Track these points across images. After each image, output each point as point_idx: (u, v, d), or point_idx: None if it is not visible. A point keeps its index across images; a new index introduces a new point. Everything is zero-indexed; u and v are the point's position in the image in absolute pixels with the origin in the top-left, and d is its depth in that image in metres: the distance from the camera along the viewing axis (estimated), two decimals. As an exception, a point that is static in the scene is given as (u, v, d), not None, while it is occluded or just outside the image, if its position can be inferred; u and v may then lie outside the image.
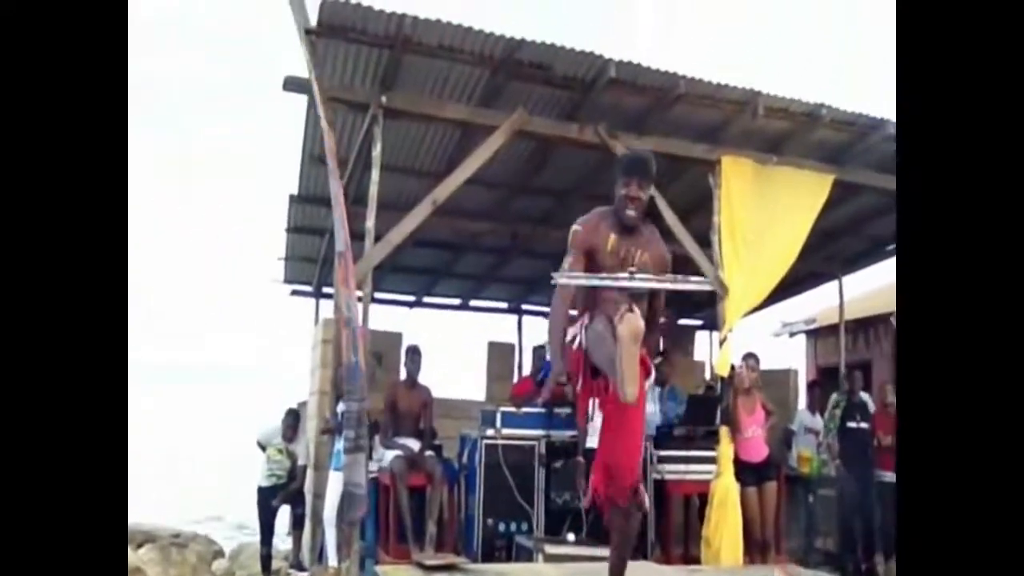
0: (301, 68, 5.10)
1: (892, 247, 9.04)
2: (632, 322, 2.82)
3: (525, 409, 6.23)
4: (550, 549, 5.07)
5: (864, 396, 7.54)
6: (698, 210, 6.66)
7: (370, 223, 5.33)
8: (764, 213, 6.14)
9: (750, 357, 6.55)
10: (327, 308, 8.99)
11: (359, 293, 5.39)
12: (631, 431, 3.25)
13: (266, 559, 7.23)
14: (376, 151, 5.43)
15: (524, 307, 12.15)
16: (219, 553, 8.74)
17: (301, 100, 5.67)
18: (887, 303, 10.82)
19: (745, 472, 5.95)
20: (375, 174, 5.40)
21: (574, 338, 3.28)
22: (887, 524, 6.84)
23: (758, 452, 6.20)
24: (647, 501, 3.30)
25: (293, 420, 7.45)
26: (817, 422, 7.68)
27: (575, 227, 3.33)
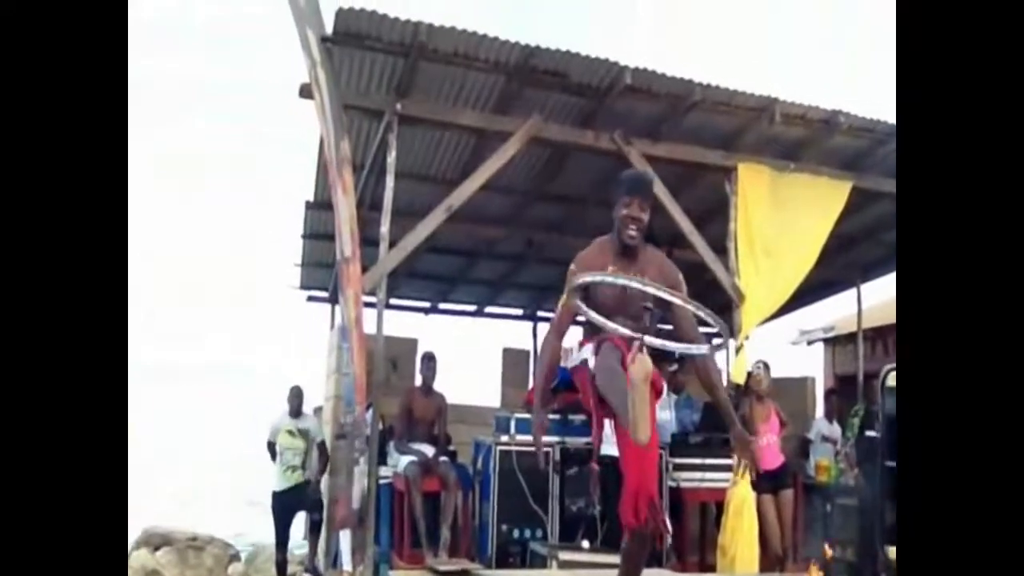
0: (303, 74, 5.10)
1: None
2: (643, 364, 2.76)
3: (540, 415, 6.21)
4: (564, 556, 5.06)
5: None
6: (714, 217, 6.64)
7: (384, 229, 5.35)
8: (781, 220, 6.11)
9: (760, 363, 6.52)
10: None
11: (373, 299, 5.40)
12: (645, 454, 3.10)
13: (281, 565, 7.21)
14: (391, 158, 5.45)
15: (539, 313, 12.12)
16: (235, 557, 8.78)
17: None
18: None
19: (761, 480, 5.91)
20: (390, 180, 5.42)
21: (583, 361, 3.21)
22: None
23: (774, 459, 6.15)
24: (666, 521, 3.19)
25: (298, 395, 7.36)
26: (835, 431, 7.62)
27: (571, 266, 3.23)
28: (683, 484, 6.20)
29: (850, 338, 10.37)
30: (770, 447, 6.15)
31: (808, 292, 8.02)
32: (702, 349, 3.19)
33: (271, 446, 7.35)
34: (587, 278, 2.98)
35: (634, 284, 2.95)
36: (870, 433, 7.15)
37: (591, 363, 3.14)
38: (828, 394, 8.79)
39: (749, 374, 6.09)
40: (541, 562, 5.25)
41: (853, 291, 9.70)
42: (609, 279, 2.98)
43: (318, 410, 8.25)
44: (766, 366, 6.45)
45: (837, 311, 11.56)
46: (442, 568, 4.11)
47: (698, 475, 6.18)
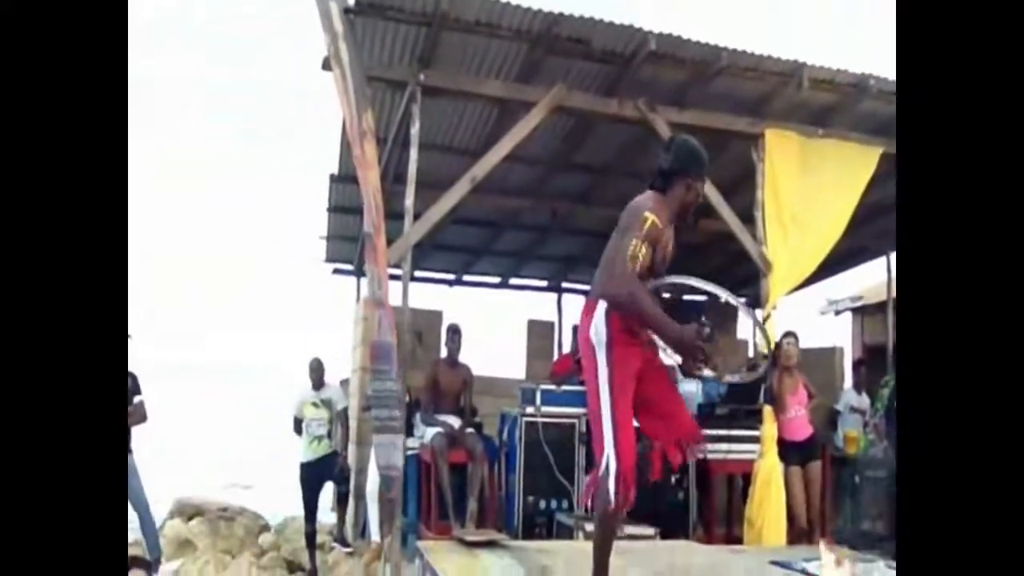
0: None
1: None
2: None
3: (565, 387, 6.22)
4: (590, 527, 5.05)
5: None
6: (741, 186, 6.55)
7: (409, 201, 5.33)
8: (809, 188, 6.02)
9: (790, 335, 6.45)
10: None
11: (398, 271, 5.40)
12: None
13: (310, 536, 7.29)
14: (415, 129, 5.42)
15: (564, 285, 12.11)
16: (265, 527, 8.89)
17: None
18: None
19: (789, 451, 5.88)
20: (414, 152, 5.40)
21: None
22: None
23: (802, 431, 6.11)
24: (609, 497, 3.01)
25: (318, 366, 7.40)
26: (863, 402, 7.55)
27: (648, 214, 3.09)
28: (710, 456, 6.14)
29: (879, 308, 10.26)
30: (798, 419, 6.11)
31: (836, 261, 7.92)
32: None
33: (297, 422, 7.42)
34: (682, 280, 3.20)
35: (724, 296, 3.00)
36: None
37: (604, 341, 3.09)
38: (856, 365, 8.71)
39: (778, 345, 6.04)
40: (568, 533, 5.27)
41: (882, 260, 9.58)
42: (700, 285, 3.17)
43: (344, 382, 8.30)
44: (796, 338, 6.40)
45: (866, 280, 11.44)
46: (469, 538, 4.13)
47: (724, 447, 6.14)
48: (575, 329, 7.26)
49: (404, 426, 4.65)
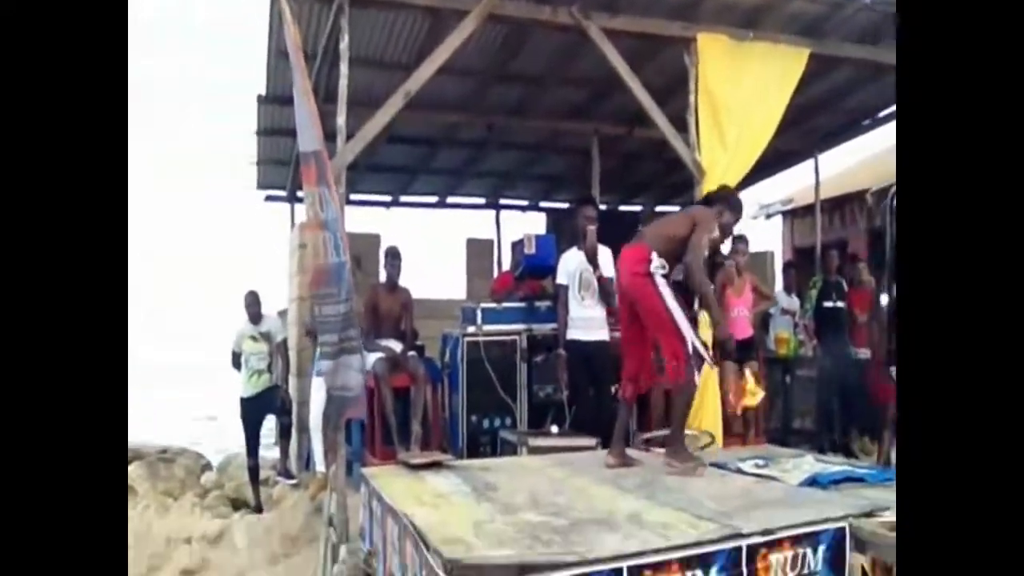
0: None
1: (868, 122, 8.97)
2: None
3: (506, 304, 6.25)
4: (534, 442, 5.15)
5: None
6: (674, 92, 6.52)
7: (341, 120, 5.18)
8: (741, 91, 6.01)
9: (740, 240, 6.59)
10: (302, 213, 8.88)
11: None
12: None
13: (253, 470, 7.28)
14: (344, 44, 5.23)
15: (502, 202, 12.06)
16: (207, 466, 8.86)
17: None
18: (863, 180, 10.84)
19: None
20: (344, 68, 5.21)
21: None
22: (863, 401, 7.02)
23: (742, 330, 6.29)
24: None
25: (254, 300, 7.31)
26: (793, 303, 7.76)
27: (715, 226, 4.20)
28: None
29: (808, 210, 10.48)
30: (740, 319, 6.30)
31: (767, 165, 8.02)
32: None
33: (235, 356, 7.32)
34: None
35: None
36: (828, 304, 7.31)
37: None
38: (786, 267, 8.92)
39: (733, 249, 6.18)
40: (512, 449, 5.36)
41: (810, 162, 9.73)
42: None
43: (282, 313, 8.21)
44: (745, 242, 6.55)
45: (795, 183, 11.63)
46: (414, 461, 4.17)
47: (663, 355, 6.29)
48: (514, 246, 7.28)
49: (361, 345, 4.58)
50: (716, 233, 4.26)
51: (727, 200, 4.45)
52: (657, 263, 4.05)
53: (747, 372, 5.54)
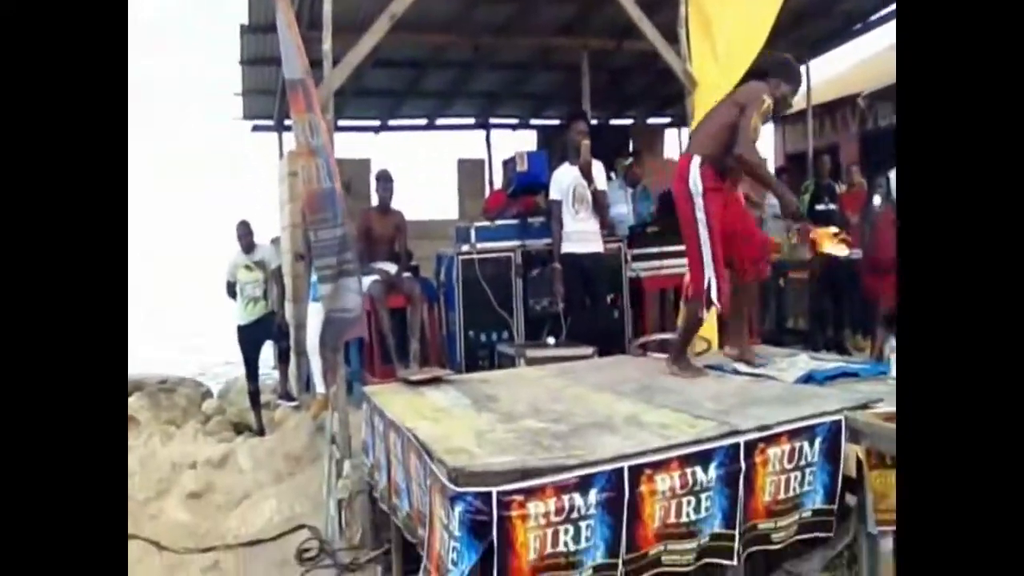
0: None
1: (860, 26, 8.82)
2: None
3: (499, 222, 6.25)
4: (531, 353, 5.22)
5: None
6: (663, 4, 6.37)
7: (327, 46, 5.04)
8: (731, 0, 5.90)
9: None
10: (290, 141, 8.79)
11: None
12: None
13: (254, 395, 7.38)
14: (327, -34, 5.07)
15: (492, 121, 11.92)
16: (208, 394, 8.95)
17: None
18: (853, 85, 10.71)
19: None
20: (327, -9, 5.07)
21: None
22: (855, 300, 7.09)
23: None
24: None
25: (246, 230, 7.31)
26: (786, 207, 7.74)
27: (766, 97, 3.95)
28: (642, 274, 6.37)
29: (799, 116, 10.35)
30: None
31: (758, 74, 7.91)
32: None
33: (230, 286, 7.34)
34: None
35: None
36: (820, 207, 7.33)
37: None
38: (778, 172, 8.85)
39: None
40: (510, 362, 5.43)
41: (802, 68, 9.58)
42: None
43: (275, 241, 8.20)
44: None
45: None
46: (414, 378, 4.23)
47: (656, 263, 6.33)
48: (505, 164, 7.24)
49: (358, 267, 4.60)
50: (768, 107, 3.98)
51: (784, 69, 4.12)
52: (696, 176, 3.89)
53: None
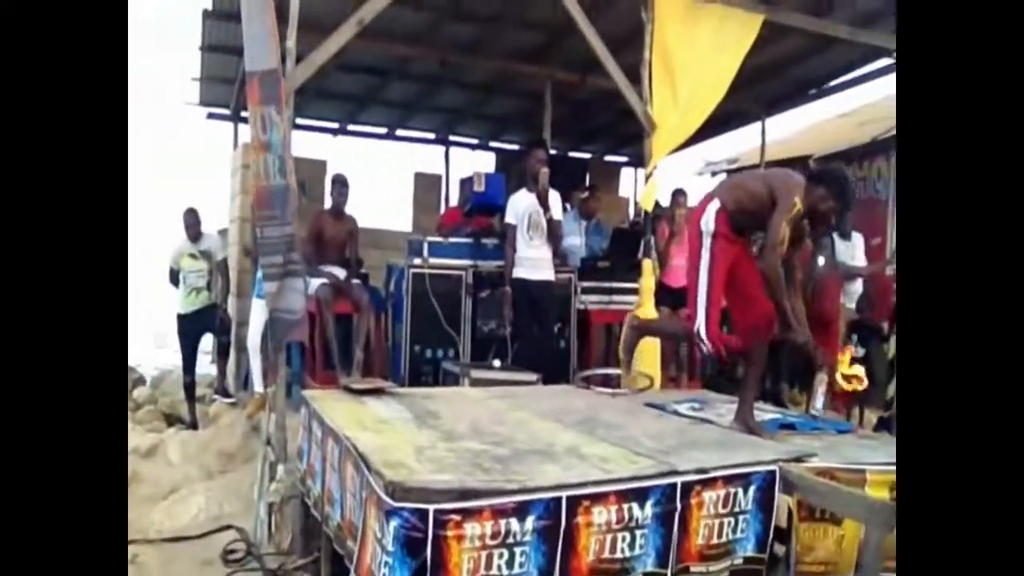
0: None
1: (815, 91, 9.15)
2: None
3: (452, 239, 6.27)
4: (476, 374, 5.22)
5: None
6: (629, 44, 6.50)
7: (291, 42, 5.00)
8: (695, 50, 6.05)
9: (679, 194, 6.75)
10: (246, 133, 8.68)
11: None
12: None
13: (189, 387, 7.22)
14: (296, -38, 5.06)
15: (451, 138, 11.94)
16: (140, 381, 8.74)
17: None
18: (806, 146, 11.05)
19: (664, 295, 6.24)
20: (296, -10, 5.05)
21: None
22: (793, 356, 7.27)
23: (678, 280, 6.47)
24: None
25: (194, 218, 7.18)
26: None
27: (797, 200, 3.62)
28: (590, 306, 6.46)
29: (753, 170, 10.63)
30: (678, 268, 6.47)
31: (715, 124, 8.08)
32: None
33: (173, 273, 7.20)
34: None
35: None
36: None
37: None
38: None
39: (657, 203, 6.28)
40: (453, 380, 5.42)
41: (758, 124, 9.88)
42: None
43: (223, 232, 8.06)
44: (684, 195, 6.70)
45: (742, 144, 11.81)
46: (356, 386, 4.20)
47: (605, 298, 6.43)
48: (463, 182, 7.27)
49: (304, 269, 4.55)
50: (798, 212, 3.64)
51: (839, 185, 3.76)
52: (711, 217, 3.77)
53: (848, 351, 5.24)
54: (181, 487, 5.14)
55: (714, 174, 12.86)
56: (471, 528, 2.40)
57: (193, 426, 7.00)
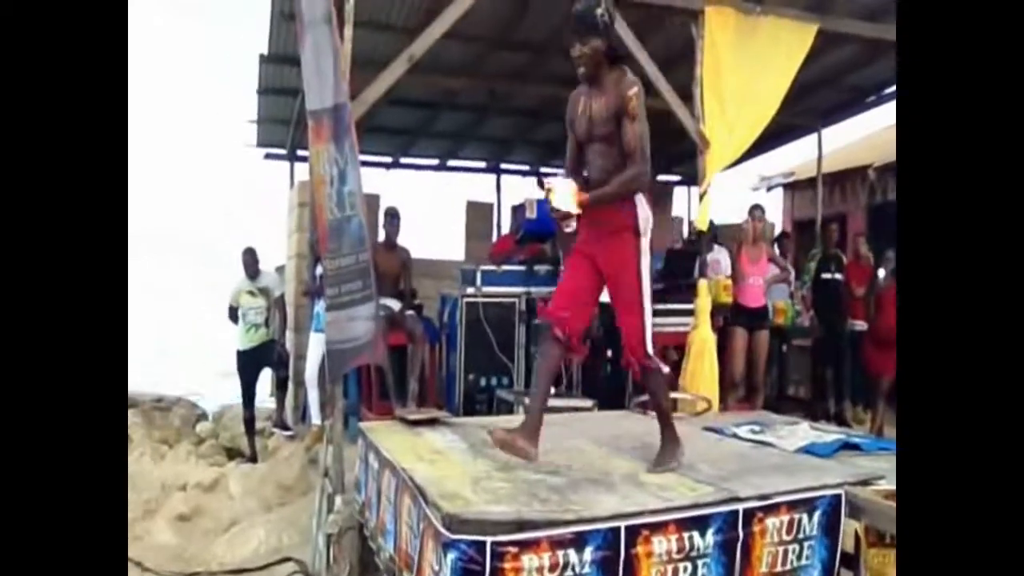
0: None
1: (872, 99, 8.94)
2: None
3: (505, 267, 6.27)
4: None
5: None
6: (680, 63, 6.46)
7: (345, 84, 5.14)
8: (747, 65, 5.99)
9: (756, 209, 6.72)
10: (302, 171, 8.87)
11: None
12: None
13: (249, 421, 7.33)
14: (349, 5, 5.15)
15: (502, 166, 12.01)
16: (203, 416, 8.90)
17: None
18: (864, 156, 10.82)
19: (740, 315, 6.12)
20: (348, 30, 5.14)
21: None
22: (857, 373, 7.08)
23: (755, 299, 6.38)
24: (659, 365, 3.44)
25: (252, 257, 7.31)
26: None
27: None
28: (645, 330, 6.37)
29: (810, 183, 10.46)
30: (754, 287, 6.39)
31: (769, 138, 8.00)
32: None
33: (232, 311, 7.35)
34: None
35: None
36: (826, 275, 7.37)
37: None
38: (779, 238, 8.92)
39: (710, 223, 6.20)
40: (508, 408, 5.41)
41: (813, 136, 9.70)
42: None
43: (280, 269, 8.21)
44: (762, 210, 6.64)
45: (797, 157, 11.62)
46: (411, 417, 4.20)
47: (659, 320, 6.31)
48: (514, 210, 7.29)
49: (367, 296, 4.58)
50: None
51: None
52: (646, 209, 3.49)
53: None
54: (241, 520, 5.21)
55: (769, 189, 12.66)
56: (528, 560, 2.38)
57: (253, 459, 7.09)
